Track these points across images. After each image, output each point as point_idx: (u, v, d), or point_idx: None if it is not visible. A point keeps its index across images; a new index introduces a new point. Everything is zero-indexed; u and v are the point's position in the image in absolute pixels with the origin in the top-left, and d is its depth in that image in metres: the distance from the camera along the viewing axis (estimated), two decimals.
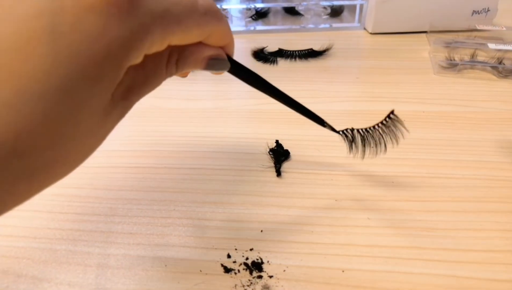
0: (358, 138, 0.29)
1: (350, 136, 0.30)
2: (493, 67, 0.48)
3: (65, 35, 0.13)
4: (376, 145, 0.29)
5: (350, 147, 0.30)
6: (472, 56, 0.50)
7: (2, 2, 0.13)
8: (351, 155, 0.30)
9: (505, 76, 0.47)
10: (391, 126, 0.28)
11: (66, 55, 0.13)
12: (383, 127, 0.28)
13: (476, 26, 0.57)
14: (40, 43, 0.13)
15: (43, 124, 0.13)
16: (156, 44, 0.17)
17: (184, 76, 0.24)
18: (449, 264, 0.25)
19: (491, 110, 0.41)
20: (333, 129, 0.29)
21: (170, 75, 0.20)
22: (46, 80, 0.13)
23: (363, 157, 0.29)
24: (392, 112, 0.28)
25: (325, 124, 0.29)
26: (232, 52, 0.23)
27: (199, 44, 0.20)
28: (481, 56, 0.50)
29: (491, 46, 0.51)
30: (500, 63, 0.48)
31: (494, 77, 0.47)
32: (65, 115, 0.14)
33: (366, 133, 0.29)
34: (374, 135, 0.29)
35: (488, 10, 0.58)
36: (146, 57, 0.17)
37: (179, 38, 0.18)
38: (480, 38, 0.55)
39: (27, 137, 0.13)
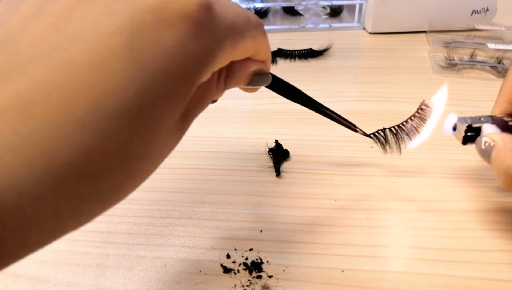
0: (390, 138, 0.30)
1: (382, 137, 0.30)
2: (493, 67, 0.48)
3: (143, 51, 0.13)
4: (410, 136, 0.29)
5: (384, 148, 0.30)
6: (472, 56, 0.50)
7: (83, 20, 0.13)
8: (386, 155, 0.30)
9: (504, 76, 0.46)
10: (423, 116, 0.28)
11: (143, 71, 0.13)
12: (416, 120, 0.28)
13: (476, 25, 0.57)
14: (117, 59, 0.13)
15: (116, 142, 0.13)
16: (225, 58, 0.17)
17: (214, 102, 0.24)
18: (449, 264, 0.25)
19: (491, 110, 0.41)
20: (364, 134, 0.30)
21: (219, 93, 0.20)
22: (122, 97, 0.13)
23: (400, 153, 0.29)
24: (423, 103, 0.28)
25: (357, 130, 0.29)
26: (270, 67, 0.23)
27: (246, 59, 0.20)
28: (481, 56, 0.50)
29: (491, 46, 0.51)
30: (499, 63, 0.48)
31: (494, 77, 0.47)
32: (139, 133, 0.14)
33: (398, 129, 0.29)
34: (407, 129, 0.29)
35: (487, 10, 0.58)
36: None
37: (240, 51, 0.18)
38: (479, 38, 0.55)
39: (99, 157, 0.13)
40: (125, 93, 0.13)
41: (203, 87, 0.18)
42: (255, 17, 0.19)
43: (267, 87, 0.24)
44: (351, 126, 0.29)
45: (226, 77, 0.20)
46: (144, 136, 0.14)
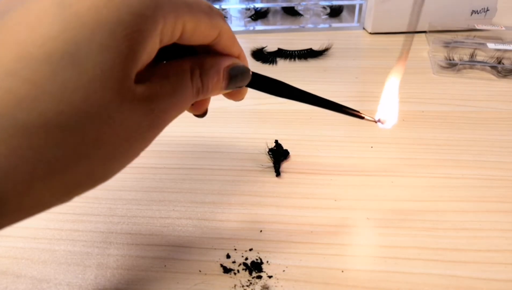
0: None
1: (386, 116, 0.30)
2: (492, 67, 0.48)
3: (73, 5, 0.14)
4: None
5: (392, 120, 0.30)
6: (471, 56, 0.50)
7: None
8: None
9: (504, 76, 0.47)
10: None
11: (73, 22, 0.14)
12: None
13: (475, 25, 0.57)
14: (48, 14, 0.14)
15: (47, 89, 0.13)
16: (169, 25, 0.17)
17: (201, 111, 0.25)
18: (449, 264, 0.25)
19: (491, 110, 0.41)
20: (374, 121, 0.30)
21: (197, 89, 0.19)
22: (51, 44, 0.13)
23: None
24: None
25: (364, 117, 0.29)
26: (247, 64, 0.23)
27: (216, 56, 0.20)
28: (480, 56, 0.50)
29: (490, 45, 0.51)
30: (499, 62, 0.48)
31: (494, 77, 0.47)
32: (73, 80, 0.14)
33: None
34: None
35: (487, 10, 0.58)
36: (167, 64, 0.18)
37: (191, 27, 0.18)
38: (479, 38, 0.55)
39: (31, 104, 0.13)
40: (54, 41, 0.13)
41: (172, 80, 0.18)
42: (208, 3, 0.19)
43: (251, 86, 0.23)
44: (357, 115, 0.28)
45: (201, 74, 0.20)
46: (79, 84, 0.14)
